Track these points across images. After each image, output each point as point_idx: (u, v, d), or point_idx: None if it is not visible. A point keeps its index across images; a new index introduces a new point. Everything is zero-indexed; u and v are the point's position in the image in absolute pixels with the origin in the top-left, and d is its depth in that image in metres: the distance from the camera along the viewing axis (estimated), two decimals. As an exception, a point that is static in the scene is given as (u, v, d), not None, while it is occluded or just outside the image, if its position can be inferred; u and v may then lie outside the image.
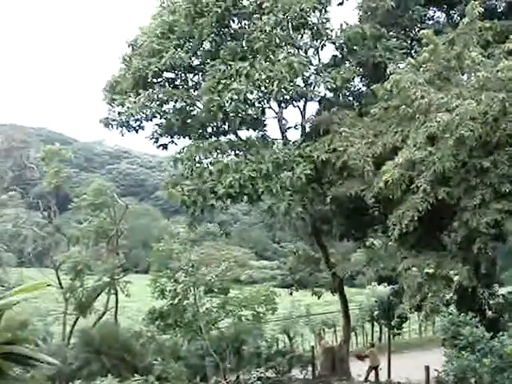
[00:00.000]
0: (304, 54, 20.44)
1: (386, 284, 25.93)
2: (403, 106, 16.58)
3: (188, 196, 19.86)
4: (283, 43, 19.91)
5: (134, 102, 20.71)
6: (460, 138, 14.97)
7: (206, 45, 20.60)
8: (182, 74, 21.63)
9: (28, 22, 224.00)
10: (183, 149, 20.89)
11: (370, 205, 17.46)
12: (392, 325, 26.02)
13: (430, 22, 22.25)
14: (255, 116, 20.20)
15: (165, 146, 22.85)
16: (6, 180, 35.34)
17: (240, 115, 19.41)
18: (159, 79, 21.34)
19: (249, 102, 19.55)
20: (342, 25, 20.78)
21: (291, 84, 19.19)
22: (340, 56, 21.22)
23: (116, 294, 27.52)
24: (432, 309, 15.82)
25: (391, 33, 21.33)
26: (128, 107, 21.01)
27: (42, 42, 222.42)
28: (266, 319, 27.95)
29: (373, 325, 32.88)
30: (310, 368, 22.24)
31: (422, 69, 17.27)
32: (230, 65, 19.28)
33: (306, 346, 29.79)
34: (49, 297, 28.29)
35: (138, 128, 21.79)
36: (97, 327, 24.60)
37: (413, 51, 21.17)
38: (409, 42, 21.70)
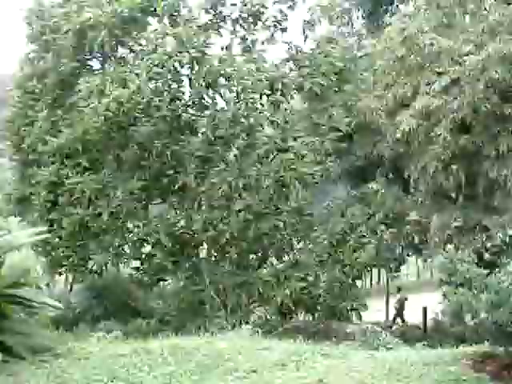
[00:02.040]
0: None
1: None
2: (411, 56, 16.05)
3: None
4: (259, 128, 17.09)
5: None
6: (488, 81, 14.39)
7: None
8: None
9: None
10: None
11: (388, 158, 17.13)
12: (390, 267, 26.24)
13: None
14: None
15: None
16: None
17: None
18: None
19: None
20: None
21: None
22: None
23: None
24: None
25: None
26: None
27: None
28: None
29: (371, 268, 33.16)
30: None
31: (421, 14, 16.73)
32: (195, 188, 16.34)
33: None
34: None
35: None
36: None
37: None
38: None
